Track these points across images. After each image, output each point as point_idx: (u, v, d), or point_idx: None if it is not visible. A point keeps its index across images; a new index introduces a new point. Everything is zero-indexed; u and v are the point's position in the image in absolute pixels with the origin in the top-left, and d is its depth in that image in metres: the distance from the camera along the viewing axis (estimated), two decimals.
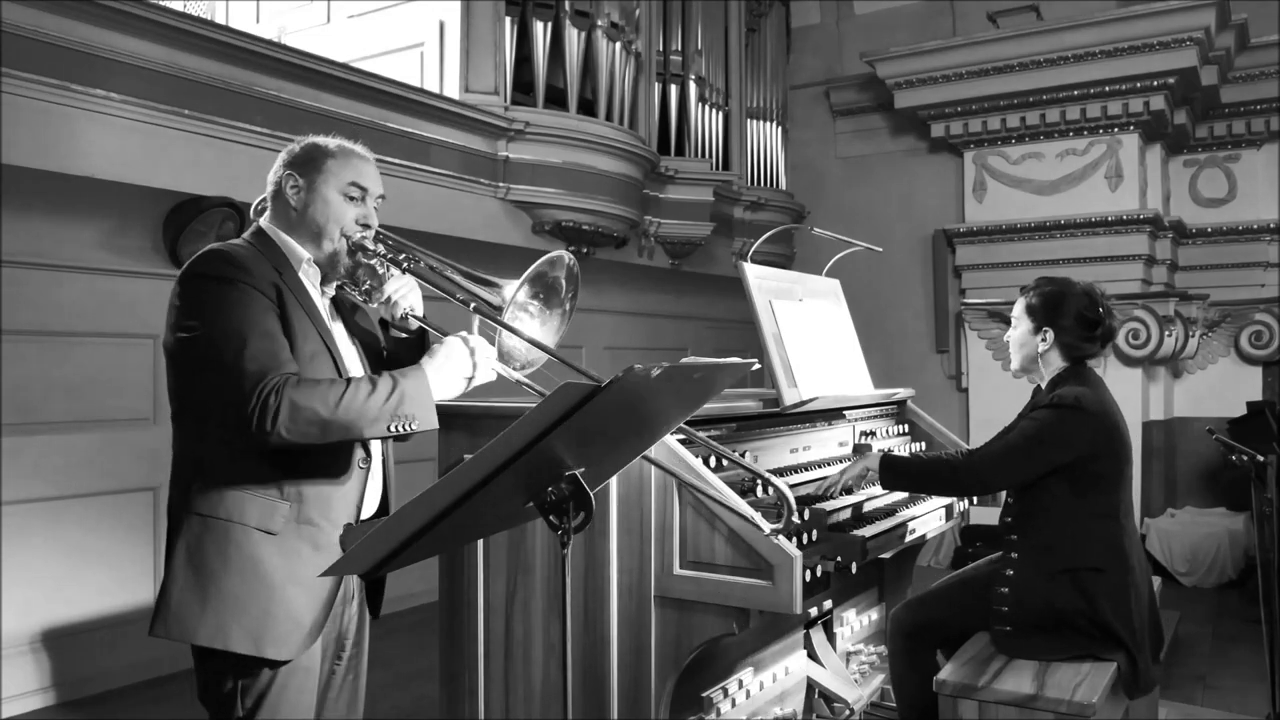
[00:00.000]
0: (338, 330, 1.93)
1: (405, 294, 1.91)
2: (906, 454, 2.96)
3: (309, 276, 1.88)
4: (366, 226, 1.90)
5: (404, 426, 1.74)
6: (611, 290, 6.75)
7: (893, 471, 2.62)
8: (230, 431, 1.68)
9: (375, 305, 1.95)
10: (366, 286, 1.93)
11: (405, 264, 1.90)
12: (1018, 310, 2.78)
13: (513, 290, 1.84)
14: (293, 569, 1.75)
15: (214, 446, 1.74)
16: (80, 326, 4.06)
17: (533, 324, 1.91)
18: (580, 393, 1.16)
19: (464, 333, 1.89)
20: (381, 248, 1.90)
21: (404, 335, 2.03)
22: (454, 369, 1.82)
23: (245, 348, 1.67)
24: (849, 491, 2.71)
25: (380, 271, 1.91)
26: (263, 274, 1.77)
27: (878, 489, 2.80)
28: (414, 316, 1.93)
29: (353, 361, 1.92)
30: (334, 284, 1.95)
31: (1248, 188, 6.95)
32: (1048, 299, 2.70)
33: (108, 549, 4.12)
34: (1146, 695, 2.66)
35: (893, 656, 2.81)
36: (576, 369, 1.66)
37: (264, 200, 1.95)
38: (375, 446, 1.93)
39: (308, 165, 1.88)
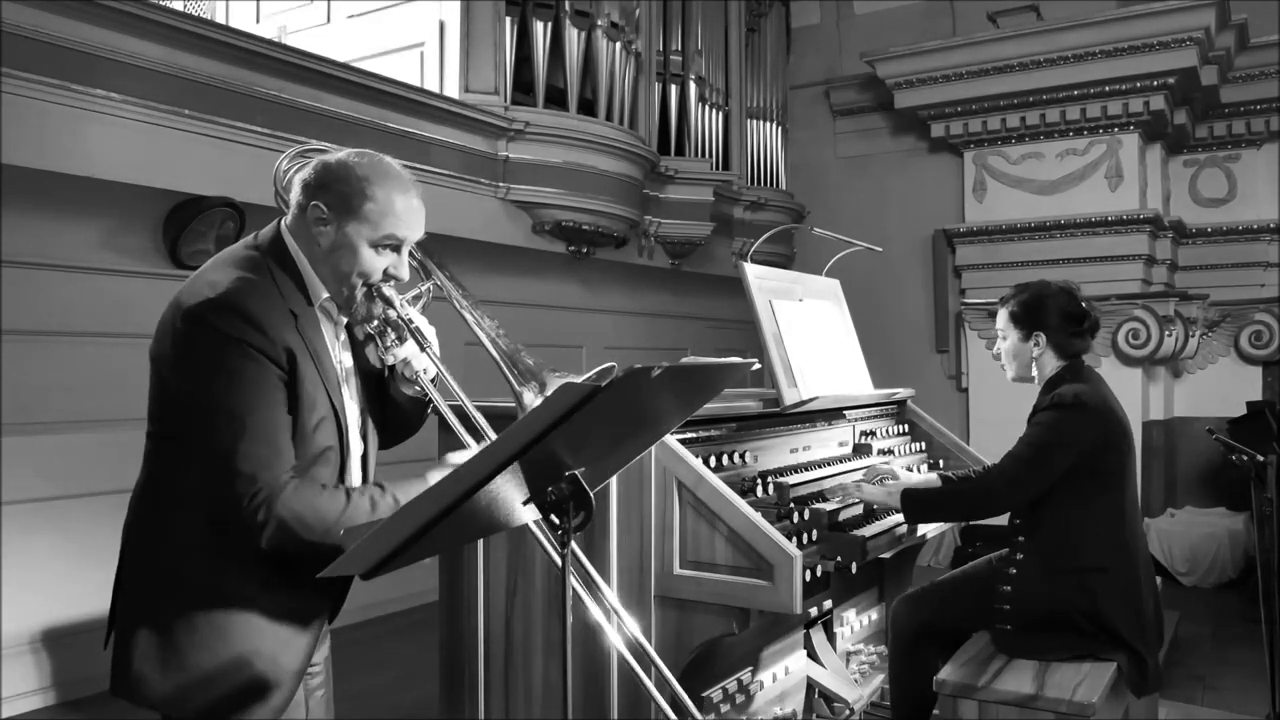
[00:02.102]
0: (347, 383, 1.77)
1: (420, 356, 1.76)
2: (918, 475, 2.95)
3: (325, 312, 1.73)
4: (393, 277, 1.70)
5: None
6: (611, 290, 6.75)
7: (915, 505, 2.61)
8: (212, 510, 1.57)
9: (388, 360, 1.78)
10: (381, 331, 1.75)
11: (427, 344, 1.73)
12: (1002, 322, 2.79)
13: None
14: (263, 637, 1.63)
15: (191, 497, 1.60)
16: (80, 326, 4.06)
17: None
18: (580, 393, 1.16)
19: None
20: (407, 309, 1.71)
21: (414, 389, 1.84)
22: None
23: (242, 438, 1.52)
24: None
25: (402, 328, 1.73)
26: (278, 330, 1.59)
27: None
28: (423, 382, 1.77)
29: (354, 422, 1.78)
30: (347, 318, 1.79)
31: (1248, 188, 6.94)
32: (1028, 304, 2.72)
33: (108, 549, 4.07)
34: (1153, 694, 2.66)
35: (893, 652, 2.82)
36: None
37: (286, 186, 1.76)
38: (355, 479, 1.80)
39: (340, 202, 1.64)
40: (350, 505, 1.58)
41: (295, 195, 1.70)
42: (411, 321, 1.73)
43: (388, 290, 1.70)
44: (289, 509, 1.53)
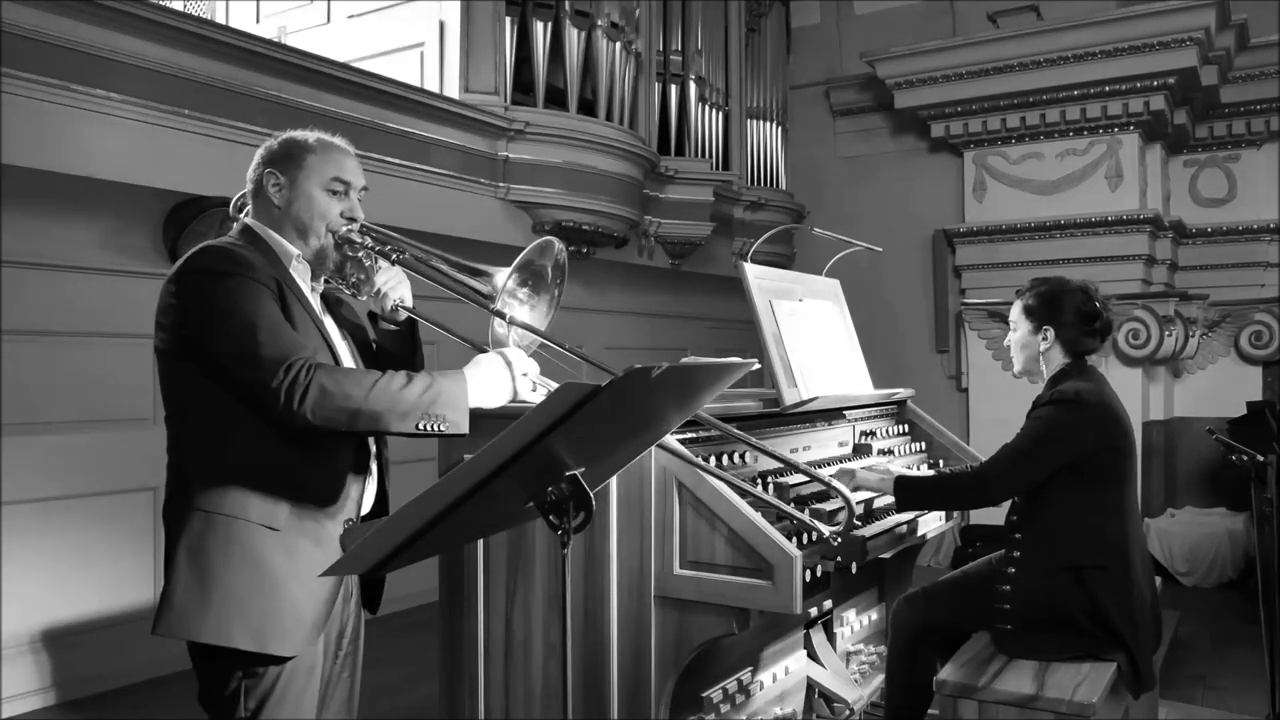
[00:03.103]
0: (330, 326, 1.93)
1: (394, 285, 1.92)
2: (915, 472, 2.97)
3: (300, 273, 1.88)
4: (352, 220, 1.89)
5: (434, 426, 1.69)
6: (611, 290, 6.75)
7: (907, 491, 2.62)
8: (246, 421, 1.68)
9: (364, 299, 1.94)
10: (354, 280, 1.92)
11: (393, 256, 1.89)
12: (1015, 314, 2.80)
13: (503, 279, 1.83)
14: (295, 565, 1.74)
15: (217, 447, 1.73)
16: (80, 326, 4.06)
17: (522, 310, 1.91)
18: (580, 393, 1.16)
19: (505, 349, 1.84)
20: (369, 240, 1.89)
21: (393, 328, 2.01)
22: (494, 386, 1.78)
23: (258, 334, 1.65)
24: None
25: (368, 264, 1.90)
26: (262, 267, 1.76)
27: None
28: (403, 308, 1.93)
29: (347, 358, 1.91)
30: (322, 279, 1.94)
31: (1248, 188, 6.94)
32: (1045, 298, 2.72)
33: (108, 549, 4.12)
34: (1147, 693, 2.66)
35: (892, 651, 2.82)
36: (573, 351, 1.75)
37: (244, 197, 1.93)
38: (372, 446, 1.93)
39: (288, 162, 1.86)
40: (385, 375, 1.69)
41: (249, 185, 1.91)
42: (373, 246, 1.89)
43: (345, 230, 1.88)
44: (327, 375, 1.65)
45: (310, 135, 1.90)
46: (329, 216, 1.86)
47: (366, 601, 2.01)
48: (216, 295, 1.69)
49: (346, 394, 1.63)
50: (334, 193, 1.87)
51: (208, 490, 1.72)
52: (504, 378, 1.80)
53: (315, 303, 1.89)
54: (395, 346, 2.01)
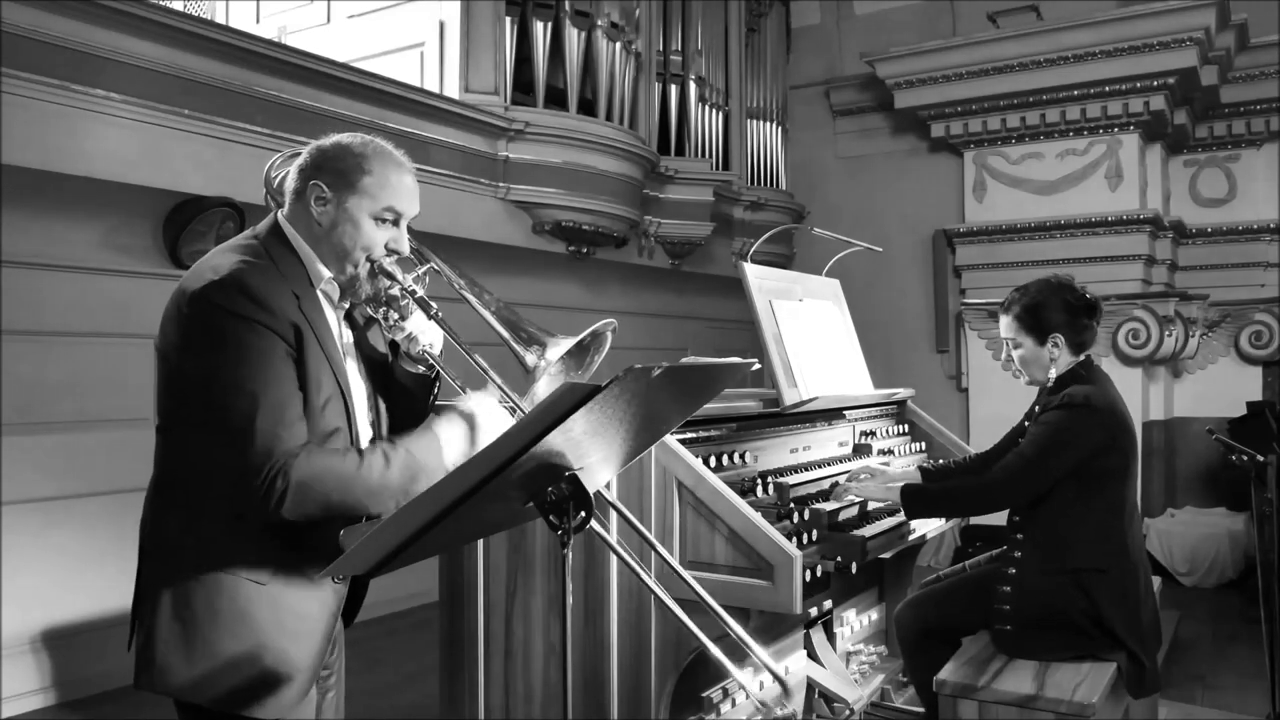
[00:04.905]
0: (350, 368, 1.78)
1: (425, 330, 1.79)
2: (914, 465, 2.97)
3: (327, 296, 1.74)
4: (394, 252, 1.73)
5: None
6: (611, 290, 6.75)
7: (916, 501, 2.60)
8: (230, 491, 1.57)
9: (392, 337, 1.81)
10: (385, 312, 1.78)
11: (432, 312, 1.74)
12: (1010, 330, 2.74)
13: (557, 352, 1.72)
14: (282, 621, 1.64)
15: (205, 473, 1.60)
16: (80, 326, 4.06)
17: (543, 379, 1.78)
18: (580, 393, 1.16)
19: (481, 402, 1.73)
20: (410, 282, 1.73)
21: (419, 369, 1.86)
22: (460, 448, 1.69)
23: (257, 412, 1.53)
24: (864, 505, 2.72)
25: (403, 304, 1.76)
26: (283, 308, 1.60)
27: None
28: (430, 355, 1.80)
29: (361, 402, 1.79)
30: (349, 301, 1.80)
31: (1248, 188, 6.94)
32: (1033, 307, 2.69)
33: (108, 549, 4.12)
34: (1152, 695, 2.66)
35: (906, 656, 2.83)
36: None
37: (282, 182, 1.78)
38: None
39: (339, 179, 1.68)
40: (364, 463, 1.59)
41: (291, 183, 1.73)
42: (416, 291, 1.74)
43: (389, 265, 1.73)
44: (304, 472, 1.53)
45: (369, 147, 1.71)
46: (372, 249, 1.70)
47: (345, 614, 1.92)
48: (225, 344, 1.55)
49: (324, 493, 1.55)
50: (384, 221, 1.71)
51: (194, 536, 1.61)
52: (463, 436, 1.70)
53: (336, 329, 1.75)
54: (414, 385, 1.88)
